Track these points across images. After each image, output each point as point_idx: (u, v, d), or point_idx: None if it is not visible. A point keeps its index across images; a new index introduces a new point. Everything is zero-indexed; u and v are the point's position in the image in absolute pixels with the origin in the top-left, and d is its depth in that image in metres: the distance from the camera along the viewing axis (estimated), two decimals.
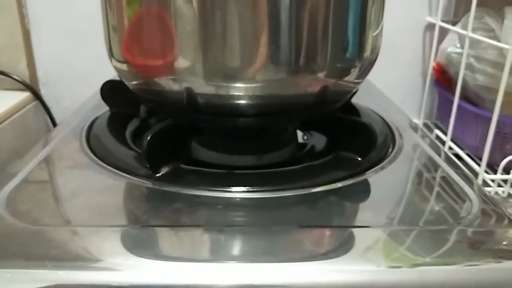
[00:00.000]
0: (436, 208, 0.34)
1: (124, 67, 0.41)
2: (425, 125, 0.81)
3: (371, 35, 0.40)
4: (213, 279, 0.26)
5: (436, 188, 0.37)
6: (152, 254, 0.28)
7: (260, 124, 0.39)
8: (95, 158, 0.40)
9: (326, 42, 0.36)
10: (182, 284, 0.26)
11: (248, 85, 0.36)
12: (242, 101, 0.37)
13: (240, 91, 0.36)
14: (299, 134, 0.50)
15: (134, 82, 0.41)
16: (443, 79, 0.71)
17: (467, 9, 0.66)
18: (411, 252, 0.29)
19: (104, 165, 0.38)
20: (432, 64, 0.74)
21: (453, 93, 0.66)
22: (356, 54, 0.39)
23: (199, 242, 0.29)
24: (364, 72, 0.41)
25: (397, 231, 0.31)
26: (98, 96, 0.51)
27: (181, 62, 0.36)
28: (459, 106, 0.65)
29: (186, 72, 0.36)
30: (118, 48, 0.40)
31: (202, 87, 0.36)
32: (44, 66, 0.78)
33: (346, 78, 0.40)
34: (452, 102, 0.66)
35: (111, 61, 0.43)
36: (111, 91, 0.50)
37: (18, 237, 0.29)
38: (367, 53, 0.40)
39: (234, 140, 0.43)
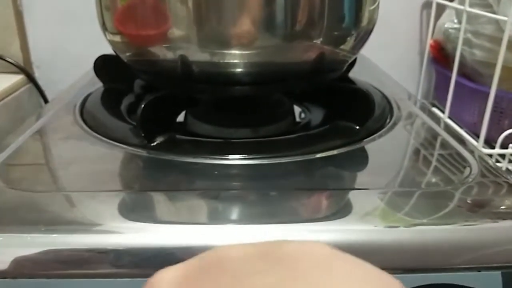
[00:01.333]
0: (436, 172, 0.33)
1: (117, 38, 0.40)
2: (422, 105, 0.81)
3: (367, 4, 0.40)
4: (209, 240, 0.26)
5: (436, 154, 0.36)
6: (148, 217, 0.27)
7: (255, 93, 0.39)
8: (89, 130, 0.39)
9: (323, 8, 0.36)
10: (178, 245, 0.26)
11: (243, 52, 0.35)
12: (237, 69, 0.36)
13: (235, 58, 0.36)
14: (297, 111, 0.49)
15: (128, 54, 0.41)
16: (441, 56, 0.70)
17: None
18: (409, 214, 0.28)
19: (99, 136, 0.38)
20: (429, 41, 0.73)
21: (451, 70, 0.65)
22: (353, 22, 0.39)
23: (195, 205, 0.29)
24: (360, 42, 0.41)
25: (397, 193, 0.30)
26: (92, 73, 0.51)
27: (175, 30, 0.35)
28: (456, 82, 0.65)
29: (180, 39, 0.36)
30: (111, 20, 0.40)
31: (196, 54, 0.36)
32: (38, 48, 0.77)
33: (342, 47, 0.39)
34: (449, 79, 0.65)
35: (104, 34, 0.42)
36: (104, 66, 0.49)
37: (10, 203, 0.29)
38: (364, 23, 0.40)
39: (229, 113, 0.43)
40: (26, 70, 0.76)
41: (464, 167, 0.34)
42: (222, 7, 0.34)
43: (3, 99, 0.68)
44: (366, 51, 0.46)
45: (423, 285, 0.26)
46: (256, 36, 0.35)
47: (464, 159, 0.35)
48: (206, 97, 0.42)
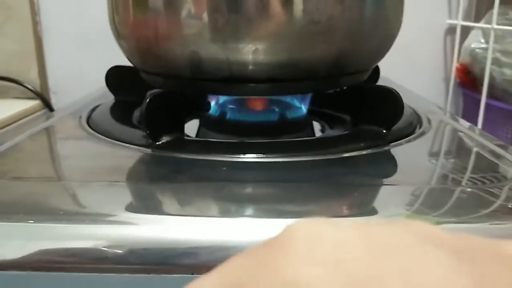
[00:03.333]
0: (475, 171, 0.29)
1: (130, 42, 0.39)
2: (453, 116, 0.77)
3: (390, 9, 0.38)
4: (219, 234, 0.22)
5: (473, 157, 0.32)
6: (144, 207, 0.24)
7: (270, 92, 0.36)
8: (92, 131, 0.36)
9: (343, 5, 0.33)
10: (174, 238, 0.22)
11: (257, 47, 0.33)
12: (251, 66, 0.34)
13: (249, 54, 0.33)
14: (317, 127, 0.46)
15: (140, 57, 0.39)
16: (468, 79, 0.67)
17: (488, 10, 0.64)
18: (448, 211, 0.24)
19: (102, 136, 0.35)
20: (455, 65, 0.70)
21: (479, 93, 0.62)
22: (374, 25, 0.36)
23: (203, 198, 0.25)
24: (381, 48, 0.38)
25: (433, 190, 0.26)
26: (104, 88, 0.49)
27: (187, 24, 0.34)
28: (487, 104, 0.61)
29: (191, 34, 0.34)
30: (122, 22, 0.38)
31: (208, 50, 0.33)
32: (55, 74, 0.77)
33: (362, 50, 0.36)
34: (478, 101, 0.62)
35: (117, 41, 0.41)
36: (116, 78, 0.47)
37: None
38: (385, 28, 0.37)
39: (242, 125, 0.40)
40: (42, 96, 0.75)
41: (506, 160, 0.30)
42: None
43: (17, 121, 0.67)
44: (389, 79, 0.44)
45: None
46: (272, 30, 0.32)
47: (504, 162, 0.31)
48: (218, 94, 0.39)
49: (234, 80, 0.35)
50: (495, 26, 0.58)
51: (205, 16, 0.33)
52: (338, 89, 0.40)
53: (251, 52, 0.33)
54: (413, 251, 0.09)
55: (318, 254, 0.09)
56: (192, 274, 0.21)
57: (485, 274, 0.09)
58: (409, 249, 0.09)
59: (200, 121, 0.42)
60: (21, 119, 0.68)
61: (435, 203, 0.25)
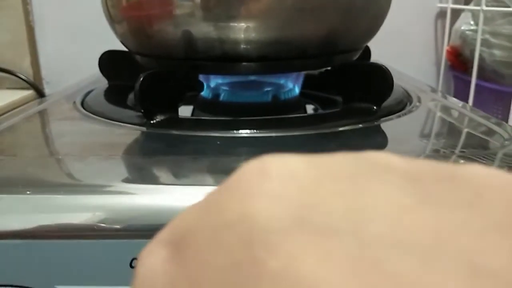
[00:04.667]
0: (470, 139, 0.30)
1: (123, 24, 0.39)
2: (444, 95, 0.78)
3: None
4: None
5: (465, 128, 0.33)
6: (140, 178, 0.24)
7: (263, 71, 0.37)
8: (87, 112, 0.37)
9: None
10: (170, 205, 0.23)
11: (249, 25, 0.33)
12: (243, 44, 0.34)
13: (241, 32, 0.34)
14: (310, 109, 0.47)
15: (134, 39, 0.39)
16: (458, 62, 0.68)
17: None
18: None
19: (96, 117, 0.35)
20: (445, 48, 0.71)
21: (470, 75, 0.62)
22: (363, 5, 0.37)
23: (195, 169, 0.26)
24: (373, 26, 0.39)
25: (429, 157, 0.27)
26: (97, 74, 0.49)
27: (179, 5, 0.34)
28: (477, 86, 0.62)
29: (183, 14, 0.34)
30: (115, 4, 0.39)
31: (200, 29, 0.34)
32: (48, 64, 0.77)
33: (353, 28, 0.37)
34: (469, 83, 0.63)
35: (110, 25, 0.41)
36: (110, 62, 0.48)
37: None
38: (375, 9, 0.38)
39: (236, 106, 0.40)
40: (36, 86, 0.75)
41: (499, 135, 0.31)
42: None
43: (10, 110, 0.67)
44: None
45: None
46: (263, 8, 0.33)
47: (494, 131, 0.32)
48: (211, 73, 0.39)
49: (227, 59, 0.35)
50: (484, 8, 0.58)
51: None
52: (329, 68, 0.40)
53: (243, 30, 0.34)
54: (360, 176, 0.09)
55: (265, 189, 0.09)
56: None
57: (430, 195, 0.08)
58: (357, 175, 0.09)
59: (194, 104, 0.43)
60: (14, 109, 0.68)
61: None
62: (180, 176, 0.25)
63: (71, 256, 0.21)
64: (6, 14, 0.72)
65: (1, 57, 0.74)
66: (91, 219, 0.22)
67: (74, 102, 0.41)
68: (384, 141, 0.32)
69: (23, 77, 0.74)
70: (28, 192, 0.23)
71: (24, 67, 0.75)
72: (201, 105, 0.42)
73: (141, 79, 0.32)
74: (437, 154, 0.28)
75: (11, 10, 0.72)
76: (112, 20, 0.40)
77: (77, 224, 0.22)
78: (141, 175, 0.25)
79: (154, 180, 0.24)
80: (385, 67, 0.36)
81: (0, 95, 0.71)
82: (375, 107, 0.36)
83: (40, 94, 0.76)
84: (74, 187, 0.24)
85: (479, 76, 0.62)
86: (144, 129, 0.32)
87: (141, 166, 0.26)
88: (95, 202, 0.22)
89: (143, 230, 0.21)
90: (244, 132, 0.31)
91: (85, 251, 0.21)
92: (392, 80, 0.35)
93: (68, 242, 0.21)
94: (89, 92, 0.45)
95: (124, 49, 0.43)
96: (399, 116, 0.36)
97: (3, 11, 0.72)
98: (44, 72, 0.77)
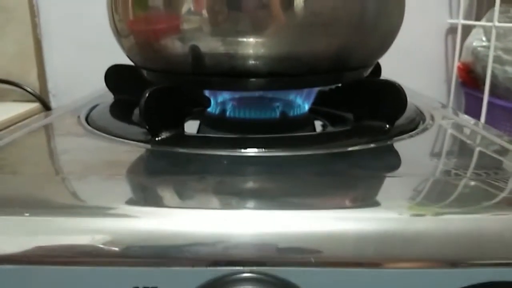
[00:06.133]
0: (478, 167, 0.29)
1: (130, 39, 0.38)
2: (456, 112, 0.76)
3: (391, 5, 0.37)
4: (220, 227, 0.22)
5: (477, 149, 0.32)
6: (143, 200, 0.23)
7: (271, 87, 0.36)
8: (91, 128, 0.36)
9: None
10: (174, 230, 0.21)
11: (258, 40, 0.33)
12: (251, 60, 0.33)
13: (249, 48, 0.33)
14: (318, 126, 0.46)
15: (142, 54, 0.39)
16: (470, 78, 0.67)
17: (489, 9, 0.63)
18: (456, 201, 0.23)
19: (100, 133, 0.35)
20: (456, 65, 0.70)
21: (481, 92, 0.61)
22: (375, 20, 0.36)
23: (196, 189, 0.25)
24: (383, 44, 0.38)
25: (437, 181, 0.26)
26: (103, 89, 0.48)
27: (187, 20, 0.33)
28: (489, 103, 0.60)
29: (191, 29, 0.33)
30: (121, 19, 0.38)
31: (208, 44, 0.33)
32: (55, 77, 0.77)
33: (363, 45, 0.36)
34: (481, 100, 0.61)
35: (117, 40, 0.40)
36: (116, 76, 0.47)
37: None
38: (387, 23, 0.37)
39: (243, 123, 0.39)
40: (42, 99, 0.75)
41: (509, 164, 0.29)
42: None
43: (15, 123, 0.66)
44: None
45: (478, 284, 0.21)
46: (273, 23, 0.32)
47: (508, 150, 0.30)
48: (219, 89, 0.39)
49: (235, 75, 0.34)
50: (497, 24, 0.57)
51: (205, 10, 0.33)
52: (340, 85, 0.39)
53: (252, 45, 0.33)
54: None
55: None
56: (193, 267, 0.20)
57: None
58: None
59: (200, 120, 0.42)
60: (20, 121, 0.68)
61: (438, 195, 0.24)
62: (184, 198, 0.24)
63: (69, 284, 0.20)
64: (14, 26, 0.72)
65: (8, 70, 0.73)
66: (91, 244, 0.21)
67: (79, 117, 0.40)
68: (396, 163, 0.30)
69: (29, 90, 0.74)
70: (26, 214, 0.22)
71: (31, 80, 0.75)
72: (207, 121, 0.41)
73: (147, 95, 0.32)
74: (449, 178, 0.26)
75: (19, 23, 0.72)
76: (119, 34, 0.39)
77: (76, 248, 0.21)
78: (144, 196, 0.24)
79: (158, 202, 0.23)
80: (399, 84, 0.35)
81: (6, 108, 0.71)
82: (387, 126, 0.35)
83: (46, 107, 0.75)
84: (74, 208, 0.22)
85: (491, 93, 0.61)
86: (148, 146, 0.31)
87: (145, 186, 0.25)
88: (95, 225, 0.21)
89: (145, 257, 0.20)
90: (251, 151, 0.30)
91: (84, 278, 0.20)
92: (406, 98, 0.34)
93: (66, 268, 0.20)
94: (94, 107, 0.44)
95: (131, 63, 0.42)
96: (412, 136, 0.35)
97: (11, 23, 0.72)
98: (50, 85, 0.77)
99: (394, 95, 0.34)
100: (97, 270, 0.20)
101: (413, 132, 0.36)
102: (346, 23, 0.34)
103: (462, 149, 0.34)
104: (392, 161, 0.31)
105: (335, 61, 0.35)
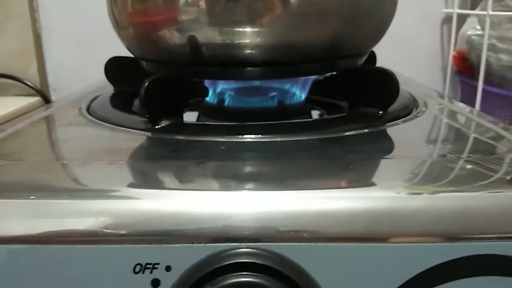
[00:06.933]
0: (475, 145, 0.30)
1: (129, 31, 0.39)
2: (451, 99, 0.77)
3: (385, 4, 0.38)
4: (220, 207, 0.22)
5: (472, 134, 0.33)
6: (145, 183, 0.24)
7: (268, 75, 0.36)
8: (92, 118, 0.37)
9: None
10: (175, 210, 0.22)
11: (255, 29, 0.33)
12: (248, 49, 0.34)
13: (246, 37, 0.34)
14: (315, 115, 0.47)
15: (141, 46, 0.39)
16: (465, 67, 0.68)
17: None
18: (452, 181, 0.24)
19: (101, 122, 0.35)
20: (452, 53, 0.71)
21: (477, 80, 0.62)
22: (369, 10, 0.37)
23: (196, 173, 0.26)
24: (378, 31, 0.39)
25: (435, 162, 0.27)
26: (103, 81, 0.49)
27: (185, 12, 0.34)
28: (484, 91, 0.61)
29: (189, 19, 0.34)
30: (121, 11, 0.39)
31: (206, 34, 0.34)
32: (55, 71, 0.77)
33: (358, 32, 0.37)
34: (476, 88, 0.62)
35: (116, 32, 0.41)
36: (116, 68, 0.48)
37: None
38: (380, 13, 0.38)
39: (241, 112, 0.40)
40: (42, 93, 0.76)
41: (506, 140, 0.30)
42: None
43: (16, 117, 0.67)
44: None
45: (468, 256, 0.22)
46: (268, 13, 0.33)
47: (502, 136, 0.31)
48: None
49: (232, 64, 0.35)
50: (491, 13, 0.58)
51: (202, 1, 0.33)
52: (334, 73, 0.40)
53: (248, 35, 0.34)
54: None
55: None
56: (192, 243, 0.21)
57: None
58: None
59: (199, 110, 0.43)
60: (21, 115, 0.69)
61: (433, 176, 0.25)
62: (185, 181, 0.25)
63: (75, 261, 0.21)
64: (14, 21, 0.73)
65: (8, 64, 0.74)
66: (95, 224, 0.22)
67: (80, 108, 0.41)
68: (390, 146, 0.31)
69: (29, 84, 0.75)
70: (32, 197, 0.23)
71: (31, 74, 0.75)
72: (206, 111, 0.42)
73: (146, 84, 0.32)
74: (444, 159, 0.27)
75: (19, 18, 0.73)
76: (118, 26, 0.40)
77: (81, 229, 0.22)
78: (145, 180, 0.25)
79: (159, 185, 0.24)
80: (391, 71, 0.35)
81: (7, 102, 0.72)
82: (380, 112, 0.36)
83: (47, 100, 0.76)
84: (79, 191, 0.23)
85: (486, 81, 0.61)
86: (149, 134, 0.32)
87: (146, 171, 0.26)
88: (100, 207, 0.22)
89: (147, 235, 0.21)
90: (249, 137, 0.31)
91: (89, 256, 0.21)
92: (398, 85, 0.35)
93: (72, 247, 0.21)
94: (94, 98, 0.45)
95: (130, 55, 0.43)
96: (405, 121, 0.36)
97: (10, 18, 0.73)
98: (50, 79, 0.78)
99: (387, 82, 0.35)
100: (101, 248, 0.21)
101: (407, 117, 0.37)
102: (339, 11, 0.34)
103: (457, 135, 0.35)
104: (386, 145, 0.32)
105: (329, 50, 0.36)
